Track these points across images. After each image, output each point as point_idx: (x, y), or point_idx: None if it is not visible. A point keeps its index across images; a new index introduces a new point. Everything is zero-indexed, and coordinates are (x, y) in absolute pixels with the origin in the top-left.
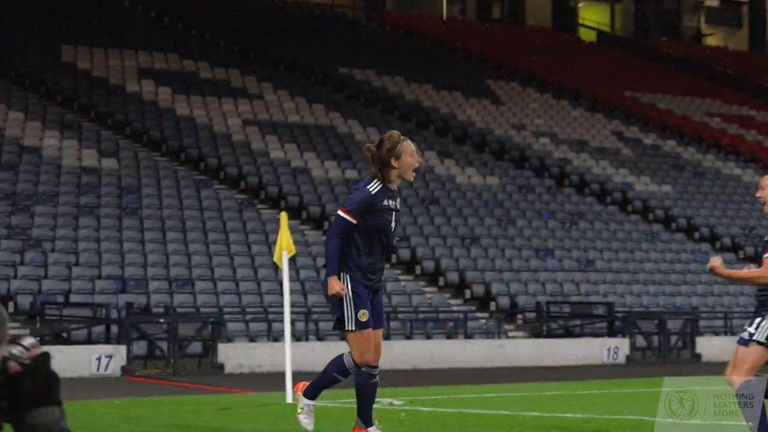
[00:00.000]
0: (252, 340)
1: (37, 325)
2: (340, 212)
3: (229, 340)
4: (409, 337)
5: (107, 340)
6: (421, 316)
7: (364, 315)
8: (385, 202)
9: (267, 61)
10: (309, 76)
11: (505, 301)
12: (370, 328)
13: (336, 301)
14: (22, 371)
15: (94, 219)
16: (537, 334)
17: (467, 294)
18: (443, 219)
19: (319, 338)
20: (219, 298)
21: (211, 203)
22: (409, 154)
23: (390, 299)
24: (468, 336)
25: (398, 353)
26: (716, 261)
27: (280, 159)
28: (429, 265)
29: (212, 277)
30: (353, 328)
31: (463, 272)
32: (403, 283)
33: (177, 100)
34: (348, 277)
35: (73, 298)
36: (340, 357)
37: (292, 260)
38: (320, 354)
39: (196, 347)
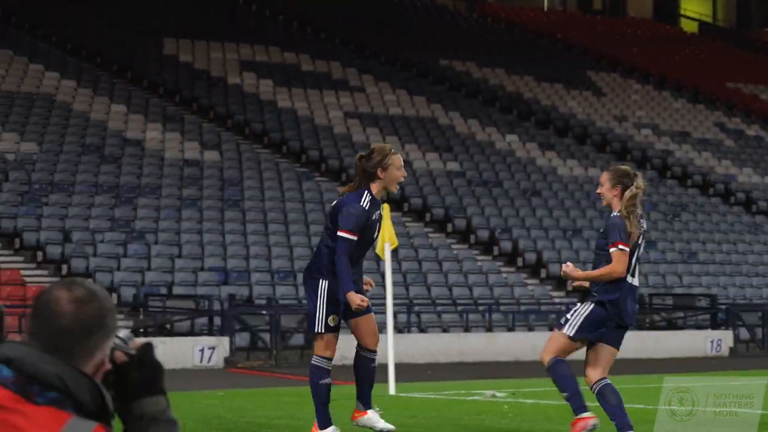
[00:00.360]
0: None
1: (141, 316)
2: (343, 234)
3: None
4: (511, 329)
5: (210, 332)
6: (523, 308)
7: (333, 320)
8: (374, 216)
9: (368, 53)
10: (410, 68)
11: None
12: (334, 333)
13: (311, 302)
14: (128, 361)
15: (196, 211)
16: (640, 327)
17: (569, 286)
18: (545, 211)
19: (422, 330)
20: None
21: (313, 195)
22: (397, 168)
23: (492, 291)
24: None
25: (500, 345)
26: (568, 267)
27: None
28: (531, 257)
29: None
30: (322, 331)
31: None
32: (504, 275)
33: (278, 92)
34: (326, 283)
35: (176, 290)
36: (311, 366)
37: (394, 252)
38: (422, 346)
39: (298, 339)
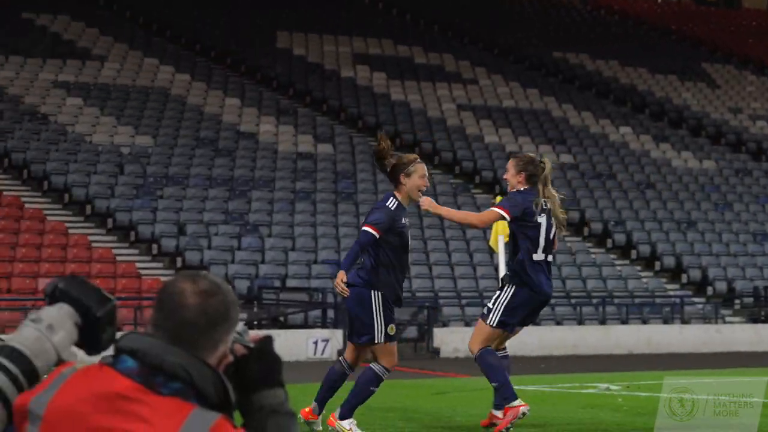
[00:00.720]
0: (467, 324)
1: (255, 309)
2: (365, 227)
3: (445, 324)
4: (625, 321)
5: (323, 324)
6: (637, 300)
7: (392, 329)
8: (403, 220)
9: (481, 45)
10: (523, 61)
11: (722, 286)
12: (396, 342)
13: (367, 316)
14: (248, 354)
15: (310, 204)
16: (755, 319)
17: (684, 278)
18: (659, 203)
19: (535, 323)
20: (434, 282)
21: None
22: (420, 176)
23: (605, 284)
24: (685, 321)
25: (614, 338)
26: (426, 200)
27: (495, 143)
28: (645, 249)
29: (428, 262)
30: (382, 341)
31: (680, 256)
32: (618, 268)
33: (391, 85)
34: (380, 295)
35: (290, 283)
36: (369, 370)
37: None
38: (536, 339)
39: (411, 332)
